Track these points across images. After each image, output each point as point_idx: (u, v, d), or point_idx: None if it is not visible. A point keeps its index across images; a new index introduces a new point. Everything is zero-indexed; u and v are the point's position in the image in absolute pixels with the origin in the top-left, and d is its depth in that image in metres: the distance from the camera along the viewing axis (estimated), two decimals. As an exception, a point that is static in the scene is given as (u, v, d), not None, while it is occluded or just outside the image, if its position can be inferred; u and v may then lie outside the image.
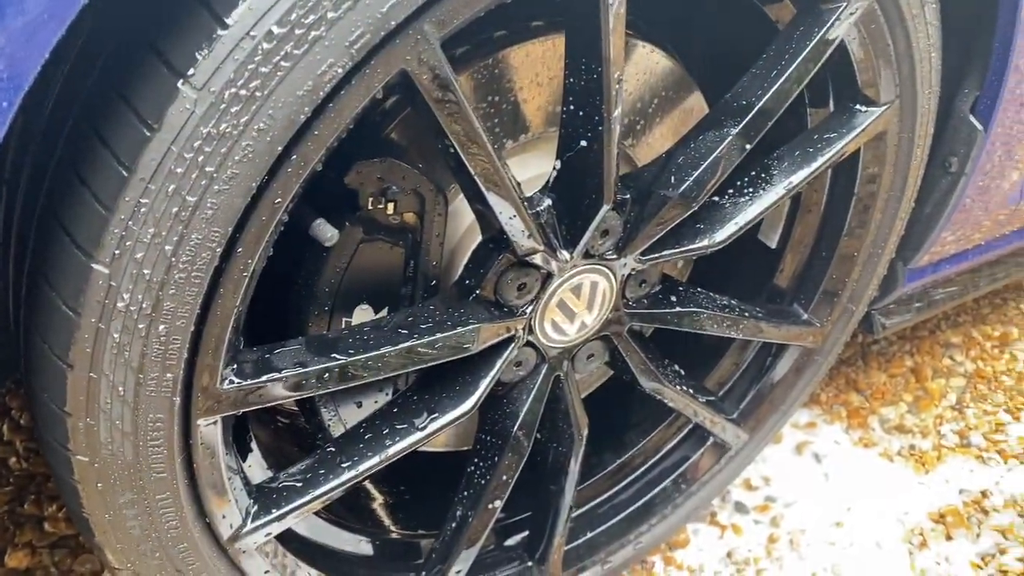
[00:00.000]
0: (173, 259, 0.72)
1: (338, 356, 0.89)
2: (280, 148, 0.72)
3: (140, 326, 0.74)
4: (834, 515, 1.58)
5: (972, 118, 1.28)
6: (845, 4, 1.00)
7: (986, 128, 1.28)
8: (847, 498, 1.62)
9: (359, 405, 1.11)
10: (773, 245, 1.37)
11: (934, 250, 1.49)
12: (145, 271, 0.72)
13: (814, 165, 1.13)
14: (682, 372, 1.32)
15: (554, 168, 1.00)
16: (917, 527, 1.58)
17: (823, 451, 1.72)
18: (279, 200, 0.75)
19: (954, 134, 1.31)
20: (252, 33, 0.67)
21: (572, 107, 0.95)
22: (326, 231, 0.86)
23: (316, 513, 1.16)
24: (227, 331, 0.79)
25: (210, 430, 0.85)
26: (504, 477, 1.15)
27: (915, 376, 1.95)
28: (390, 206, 0.95)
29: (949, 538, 1.56)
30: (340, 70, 0.71)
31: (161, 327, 0.75)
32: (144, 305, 0.73)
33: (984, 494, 1.65)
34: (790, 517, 1.57)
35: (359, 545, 1.20)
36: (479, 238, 1.04)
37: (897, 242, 1.34)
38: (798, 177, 1.13)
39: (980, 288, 1.71)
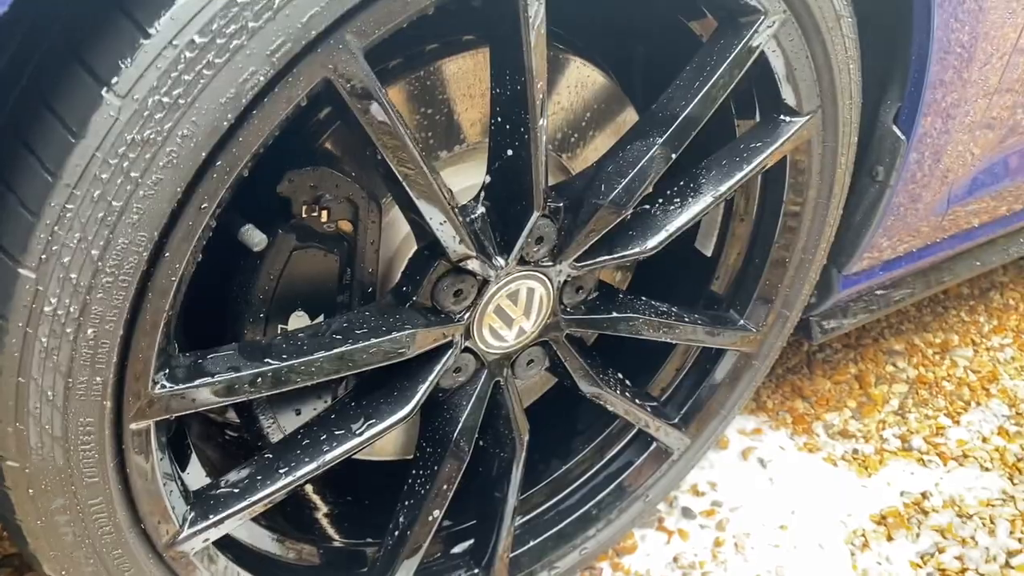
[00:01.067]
0: (100, 263, 0.73)
1: (271, 361, 0.90)
2: (204, 154, 0.74)
3: (68, 330, 0.75)
4: (778, 518, 1.62)
5: (895, 128, 1.33)
6: (763, 17, 1.05)
7: (908, 138, 1.33)
8: (791, 502, 1.65)
9: (298, 412, 1.12)
10: (709, 253, 1.41)
11: (868, 256, 1.53)
12: (72, 275, 0.73)
13: (740, 174, 1.17)
14: (623, 378, 1.35)
15: (486, 176, 1.03)
16: (859, 528, 1.61)
17: (768, 456, 1.75)
18: (205, 205, 0.77)
19: (879, 144, 1.36)
20: (175, 42, 0.69)
21: (500, 118, 0.98)
22: (254, 236, 0.88)
23: (258, 522, 1.16)
24: (157, 335, 0.81)
25: (143, 435, 0.86)
26: (445, 484, 1.17)
27: (859, 383, 2.00)
28: (324, 214, 0.98)
29: (890, 538, 1.60)
30: (262, 78, 0.73)
31: (90, 331, 0.76)
32: (72, 309, 0.75)
33: (924, 495, 1.69)
34: (735, 521, 1.60)
35: (302, 554, 1.21)
36: (415, 246, 1.06)
37: (828, 249, 1.38)
38: (725, 186, 1.17)
39: (917, 294, 1.76)
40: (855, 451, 1.80)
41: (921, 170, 1.42)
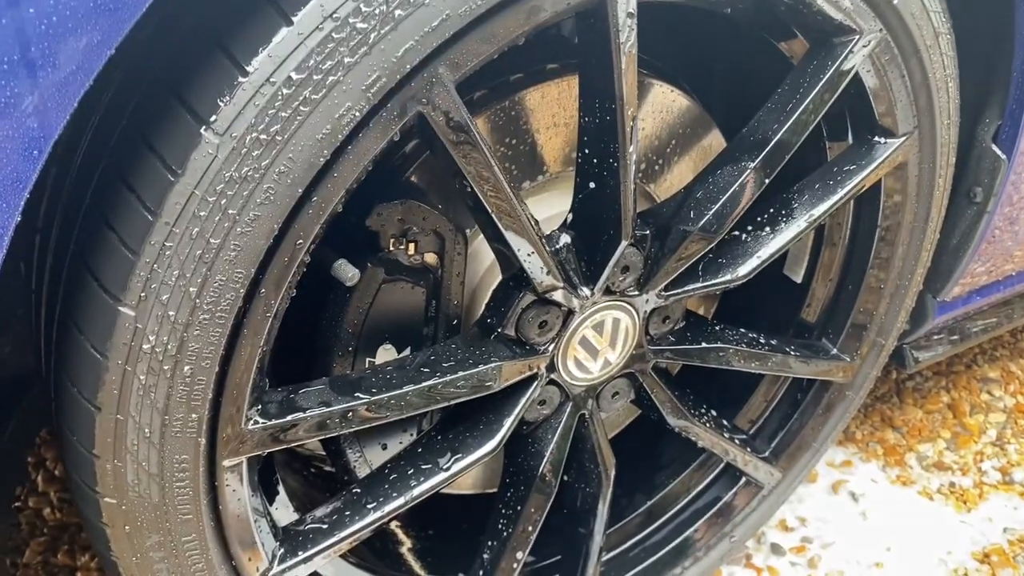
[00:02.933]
0: (197, 300, 0.74)
1: (361, 395, 0.90)
2: (300, 190, 0.74)
3: (165, 367, 0.75)
4: (873, 555, 1.54)
5: (995, 147, 1.28)
6: (858, 37, 1.01)
7: (1009, 157, 1.27)
8: (886, 538, 1.58)
9: (384, 447, 1.11)
10: (799, 280, 1.37)
11: (964, 281, 1.47)
12: (170, 313, 0.74)
13: (835, 198, 1.13)
14: (711, 410, 1.30)
15: (572, 206, 1.01)
16: (961, 567, 1.53)
17: (860, 490, 1.68)
18: (300, 241, 0.77)
19: (978, 164, 1.30)
20: (272, 79, 0.69)
21: (588, 146, 0.96)
22: (347, 271, 0.88)
23: (344, 557, 1.15)
24: (251, 371, 0.80)
25: (235, 471, 0.86)
26: (531, 519, 1.14)
27: (952, 412, 1.91)
28: (411, 247, 0.97)
29: (995, 578, 1.51)
30: (358, 113, 0.73)
31: (186, 368, 0.76)
32: (169, 347, 0.75)
33: (1030, 532, 1.60)
34: (828, 558, 1.54)
35: (387, 589, 1.19)
36: (500, 277, 1.04)
37: (924, 274, 1.33)
38: (819, 210, 1.13)
39: (1015, 320, 1.68)
40: (952, 484, 1.71)
41: (1019, 192, 1.36)
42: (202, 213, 0.71)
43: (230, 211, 0.72)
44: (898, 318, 1.34)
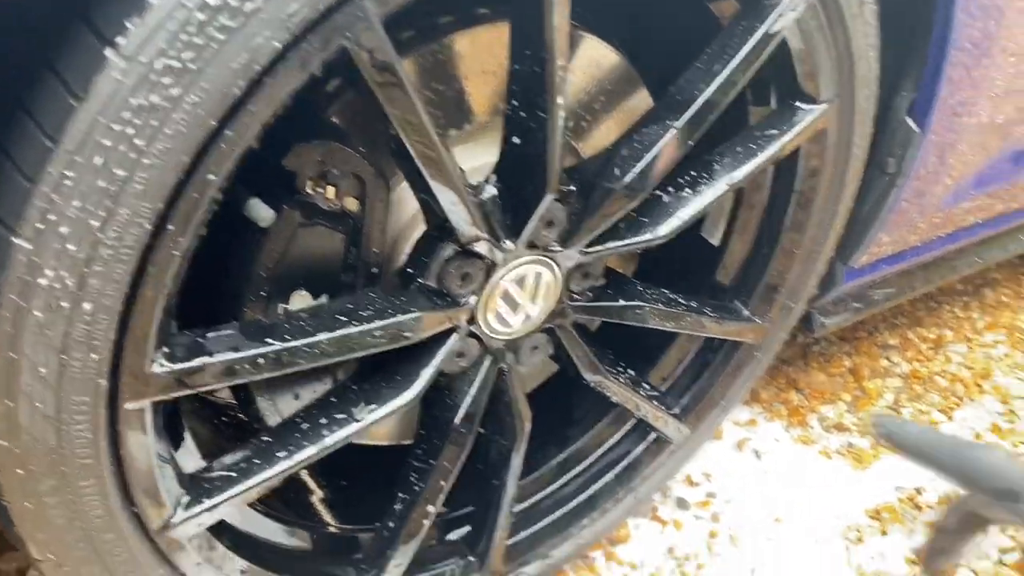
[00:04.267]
0: (100, 235, 0.70)
1: (273, 342, 0.87)
2: (213, 123, 0.70)
3: (64, 305, 0.71)
4: (773, 511, 1.60)
5: (909, 120, 1.31)
6: (787, 1, 1.01)
7: (922, 130, 1.31)
8: (786, 495, 1.64)
9: (296, 396, 1.09)
10: (716, 242, 1.39)
11: (871, 250, 1.52)
12: (70, 247, 0.69)
13: (756, 162, 1.14)
14: (626, 367, 1.32)
15: (499, 157, 0.99)
16: (854, 523, 1.60)
17: (763, 448, 1.74)
18: (212, 177, 0.73)
19: (892, 136, 1.33)
20: (186, 3, 0.65)
21: (517, 96, 0.95)
22: (261, 211, 0.84)
23: (252, 506, 1.13)
24: (157, 312, 0.77)
25: (138, 415, 0.82)
26: (445, 471, 1.14)
27: (854, 376, 1.99)
28: (330, 190, 0.94)
29: (884, 534, 1.59)
30: (277, 44, 0.70)
31: (87, 306, 0.72)
32: (68, 283, 0.71)
33: (918, 491, 1.68)
34: (730, 513, 1.59)
35: (296, 538, 1.18)
36: (423, 227, 1.03)
37: (836, 241, 1.36)
38: (740, 173, 1.14)
39: (916, 289, 1.75)
40: (850, 444, 1.79)
41: (927, 166, 1.41)
42: (106, 142, 0.67)
43: (137, 141, 0.68)
44: (809, 283, 1.38)
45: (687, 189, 1.14)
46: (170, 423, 1.05)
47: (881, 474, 1.72)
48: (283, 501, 1.20)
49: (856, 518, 1.61)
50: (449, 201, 0.92)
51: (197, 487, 0.93)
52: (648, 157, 1.04)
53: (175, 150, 0.69)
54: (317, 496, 1.29)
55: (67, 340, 0.73)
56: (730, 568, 1.48)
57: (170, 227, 0.73)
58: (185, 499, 0.91)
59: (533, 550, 1.36)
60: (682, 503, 1.60)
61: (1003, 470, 0.69)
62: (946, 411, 1.90)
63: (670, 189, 1.14)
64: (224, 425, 1.19)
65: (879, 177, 1.39)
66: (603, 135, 1.22)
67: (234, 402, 1.09)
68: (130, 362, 0.78)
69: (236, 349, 0.85)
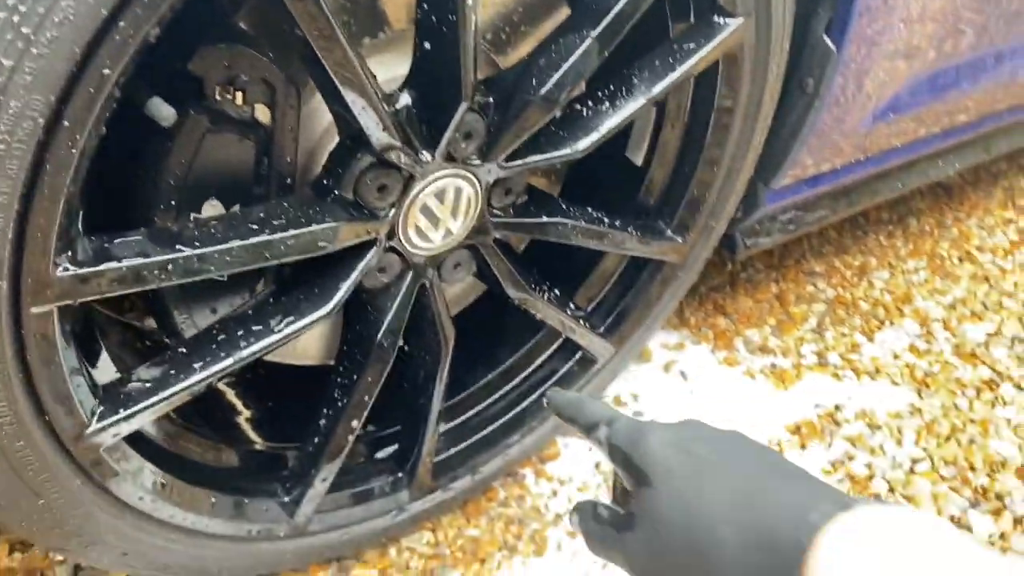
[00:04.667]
0: (-11, 128, 0.68)
1: (183, 248, 0.86)
2: (105, 12, 0.68)
3: (-44, 202, 0.70)
4: (698, 428, 1.65)
5: (826, 39, 1.33)
6: (700, -91, 1.02)
7: (839, 49, 1.33)
8: (710, 412, 1.69)
9: (214, 311, 1.08)
10: (639, 162, 1.40)
11: (793, 172, 1.55)
12: (-42, 141, 0.68)
13: (673, 76, 1.15)
14: (553, 287, 1.34)
15: (412, 64, 0.98)
16: (775, 437, 1.66)
17: (689, 370, 1.79)
18: (107, 71, 0.72)
19: (811, 55, 1.35)
20: None
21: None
22: (163, 110, 0.83)
23: (175, 423, 1.13)
24: (57, 212, 0.76)
25: (45, 321, 0.81)
26: (368, 387, 1.15)
27: (779, 302, 2.05)
28: (238, 96, 0.92)
29: (803, 447, 1.65)
30: (168, -70, 0.68)
31: (-21, 203, 0.71)
32: (-41, 179, 0.69)
33: (837, 408, 1.75)
34: (656, 430, 1.63)
35: (221, 456, 1.18)
36: (338, 138, 1.02)
37: (756, 160, 1.39)
38: (658, 87, 1.15)
39: (838, 213, 1.80)
40: (773, 365, 1.85)
41: (846, 83, 1.43)
42: (-9, 30, 0.65)
43: (23, 29, 0.66)
44: (730, 202, 1.40)
45: (606, 103, 1.15)
46: (86, 339, 1.04)
47: (802, 393, 1.78)
48: (207, 420, 1.20)
49: (777, 433, 1.67)
50: (360, 107, 0.91)
51: (112, 398, 0.92)
52: (564, 67, 1.04)
53: (64, 39, 0.67)
54: (244, 416, 1.29)
55: (-39, 239, 0.72)
56: (654, 481, 1.53)
57: (65, 123, 0.72)
58: (99, 409, 0.91)
59: (462, 465, 1.38)
60: (610, 422, 1.64)
61: (582, 407, 0.78)
62: (867, 333, 1.97)
63: (589, 103, 1.15)
64: (140, 340, 1.18)
65: (799, 97, 1.41)
66: (522, 47, 1.22)
67: (150, 318, 1.08)
68: (32, 264, 0.77)
69: (144, 255, 0.84)
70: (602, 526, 0.72)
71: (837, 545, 0.54)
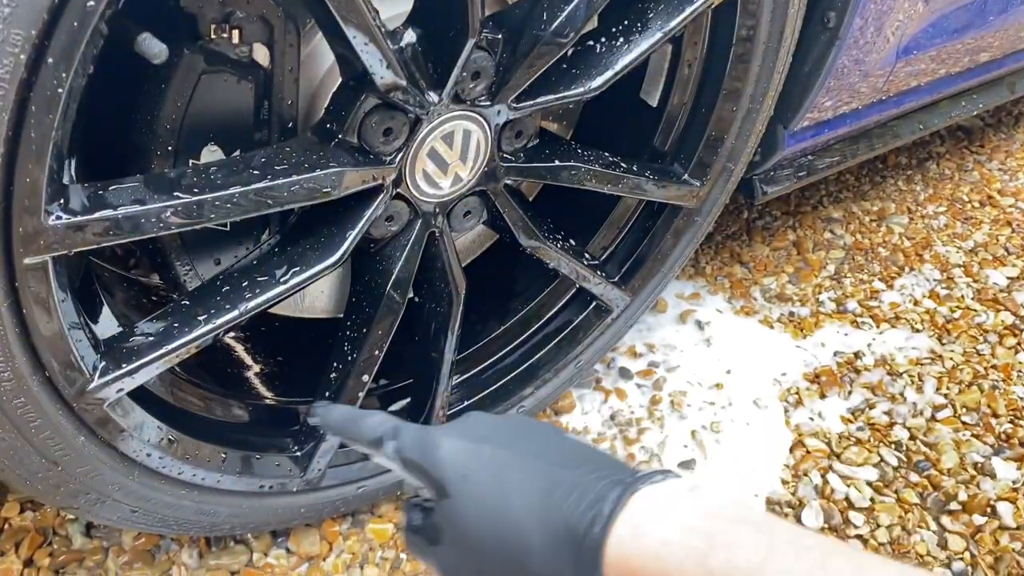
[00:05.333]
0: (-32, 65, 0.64)
1: (181, 195, 0.83)
2: (86, -62, 0.64)
3: (-62, 146, 0.66)
4: (714, 378, 1.62)
5: (849, -31, 1.27)
6: None
7: (862, -20, 1.28)
8: (727, 362, 1.66)
9: (217, 262, 1.05)
10: (654, 103, 1.35)
11: (813, 114, 1.50)
12: (-64, 80, 0.64)
13: (689, 9, 1.10)
14: (566, 235, 1.30)
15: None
16: (793, 386, 1.63)
17: (706, 319, 1.75)
18: (92, 4, 0.67)
19: (832, -13, 1.30)
20: None
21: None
22: (153, 46, 0.78)
23: (181, 378, 1.11)
24: (46, 157, 0.72)
25: (39, 272, 0.78)
26: (378, 338, 1.12)
27: (797, 249, 2.00)
28: (235, 34, 0.88)
29: (823, 396, 1.62)
30: None
31: (-38, 147, 0.67)
32: (-60, 121, 0.65)
33: (857, 355, 1.71)
34: (672, 380, 1.60)
35: (231, 410, 1.16)
36: (340, 79, 0.97)
37: (775, 99, 1.33)
38: (674, 22, 1.10)
39: (858, 156, 1.74)
40: (791, 314, 1.81)
41: (868, 17, 1.38)
42: (-36, -42, 0.61)
43: (-1, -43, 0.61)
44: (748, 143, 1.35)
45: (620, 39, 1.09)
46: (86, 294, 1.01)
47: (821, 341, 1.74)
48: (214, 375, 1.17)
49: (796, 381, 1.64)
50: (363, 45, 0.87)
51: (114, 353, 0.89)
52: (576, 0, 0.99)
53: (44, -32, 0.63)
54: (253, 371, 1.27)
55: (-54, 186, 0.68)
56: (670, 431, 1.51)
57: (49, 60, 0.67)
58: (101, 364, 0.88)
59: (475, 419, 1.36)
60: (625, 373, 1.61)
61: (360, 422, 0.75)
62: (886, 280, 1.93)
63: (603, 39, 1.10)
64: (146, 296, 1.15)
65: (821, 33, 1.35)
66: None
67: (151, 271, 1.05)
68: (22, 213, 0.73)
69: (141, 202, 0.81)
70: (417, 536, 0.71)
71: (630, 535, 0.58)
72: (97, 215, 0.78)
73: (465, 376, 1.38)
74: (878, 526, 1.38)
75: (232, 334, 1.29)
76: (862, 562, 0.53)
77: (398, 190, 1.05)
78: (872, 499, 1.42)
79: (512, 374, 1.40)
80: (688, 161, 1.33)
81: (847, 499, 1.42)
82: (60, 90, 0.69)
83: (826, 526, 1.38)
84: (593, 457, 0.66)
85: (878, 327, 1.79)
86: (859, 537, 1.37)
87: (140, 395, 0.97)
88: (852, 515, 1.39)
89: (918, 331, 1.79)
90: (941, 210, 2.19)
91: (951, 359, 1.71)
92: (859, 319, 1.81)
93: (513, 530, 0.62)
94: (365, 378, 1.14)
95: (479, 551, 0.64)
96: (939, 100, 1.87)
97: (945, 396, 1.63)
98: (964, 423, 1.57)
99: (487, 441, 0.68)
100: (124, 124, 0.91)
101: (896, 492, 1.44)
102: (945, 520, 1.40)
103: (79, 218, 0.77)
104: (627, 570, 0.57)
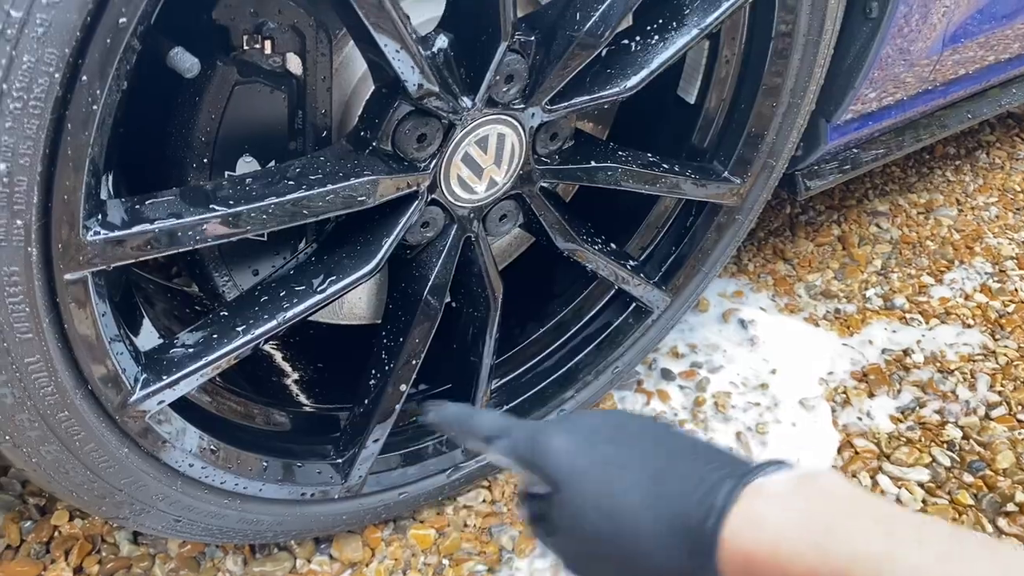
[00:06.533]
0: (4, 86, 0.64)
1: (217, 207, 0.83)
2: (116, -44, 0.64)
3: (-24, 165, 0.67)
4: (759, 378, 1.59)
5: (892, -42, 1.24)
6: None
7: (906, -31, 1.24)
8: (772, 362, 1.63)
9: (255, 273, 1.05)
10: (692, 100, 1.33)
11: (856, 107, 1.46)
12: (-27, 101, 0.64)
13: (726, 5, 1.08)
14: (604, 238, 1.28)
15: (447, 2, 0.93)
16: (840, 386, 1.60)
17: (749, 318, 1.72)
18: (123, 20, 0.67)
19: (874, -24, 1.26)
20: None
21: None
22: (185, 60, 0.78)
23: (222, 387, 1.11)
24: (83, 173, 0.72)
25: (80, 287, 0.79)
26: (417, 345, 1.12)
27: (842, 244, 1.96)
28: (267, 44, 0.88)
29: (871, 395, 1.58)
30: None
31: (1, 165, 0.67)
32: (-22, 141, 0.66)
33: (906, 352, 1.67)
34: (716, 381, 1.58)
35: (271, 418, 1.16)
36: (373, 87, 0.97)
37: (817, 93, 1.30)
38: (711, 18, 1.08)
39: (904, 148, 1.70)
40: (837, 311, 1.77)
41: (909, 23, 1.34)
42: (-2, -21, 0.61)
43: (32, -22, 0.62)
44: (789, 138, 1.32)
45: (655, 36, 1.07)
46: (127, 306, 1.02)
47: (868, 338, 1.70)
48: (252, 383, 1.18)
49: (843, 380, 1.60)
50: (394, 52, 0.86)
51: (155, 364, 0.90)
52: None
53: (75, -13, 0.63)
54: (292, 379, 1.27)
55: (-15, 204, 0.69)
56: (714, 433, 1.48)
57: (84, 77, 0.68)
58: (143, 376, 0.89)
59: (516, 423, 1.35)
60: (667, 374, 1.59)
61: (472, 420, 0.74)
62: (935, 274, 1.88)
63: (637, 37, 1.08)
64: (187, 307, 1.16)
65: (863, 24, 1.32)
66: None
67: (191, 282, 1.05)
68: (61, 229, 0.74)
69: (178, 216, 0.81)
70: (536, 526, 0.72)
71: (745, 527, 0.58)
72: (135, 229, 0.78)
73: (504, 380, 1.37)
74: (931, 529, 1.34)
75: (271, 342, 1.30)
76: (993, 550, 0.51)
77: (433, 196, 1.04)
78: (924, 501, 1.39)
79: (552, 377, 1.38)
80: (728, 158, 1.31)
81: (898, 501, 1.38)
82: (95, 107, 0.70)
83: (877, 529, 1.35)
84: (702, 448, 0.66)
85: (927, 323, 1.75)
86: (912, 541, 1.33)
87: (181, 405, 0.97)
88: (904, 518, 1.35)
89: (969, 327, 1.74)
90: (992, 201, 2.13)
91: (1005, 355, 1.66)
92: (907, 315, 1.76)
93: (625, 524, 0.63)
94: (403, 387, 1.14)
95: (594, 544, 0.65)
96: (988, 88, 1.81)
97: (999, 393, 1.58)
98: (1020, 421, 1.52)
99: (596, 436, 0.69)
100: (160, 138, 0.92)
101: (949, 494, 1.40)
102: (1002, 523, 1.36)
103: (117, 233, 0.77)
104: (743, 562, 0.57)
